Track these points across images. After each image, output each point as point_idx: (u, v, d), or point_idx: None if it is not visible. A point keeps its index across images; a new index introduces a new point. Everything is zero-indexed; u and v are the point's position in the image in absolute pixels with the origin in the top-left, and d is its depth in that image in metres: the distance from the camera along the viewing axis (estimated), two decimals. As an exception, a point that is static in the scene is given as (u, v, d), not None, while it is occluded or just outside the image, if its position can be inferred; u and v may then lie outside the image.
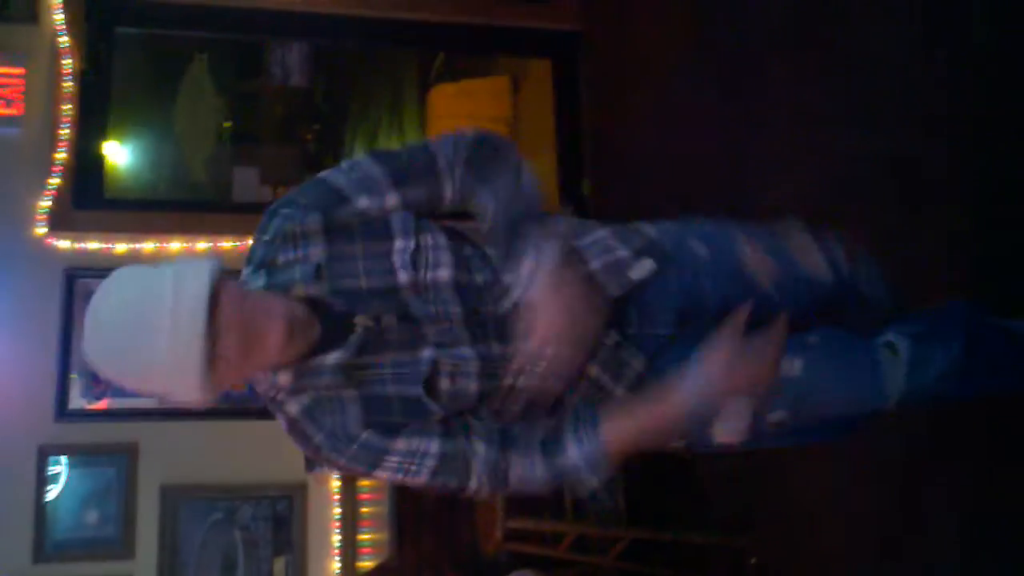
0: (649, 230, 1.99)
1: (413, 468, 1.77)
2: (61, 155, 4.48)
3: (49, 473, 4.19)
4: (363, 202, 1.80)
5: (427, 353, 1.77)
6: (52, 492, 4.19)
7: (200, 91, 6.02)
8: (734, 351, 1.70)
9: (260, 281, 1.79)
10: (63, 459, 4.22)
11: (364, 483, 4.36)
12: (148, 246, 4.47)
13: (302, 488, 4.33)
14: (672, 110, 4.39)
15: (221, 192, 5.89)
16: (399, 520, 4.16)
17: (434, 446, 1.76)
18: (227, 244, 4.54)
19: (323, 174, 1.85)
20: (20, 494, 4.15)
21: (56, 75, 4.57)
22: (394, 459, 1.76)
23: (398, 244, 1.79)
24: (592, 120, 5.24)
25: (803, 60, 3.42)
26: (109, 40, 4.85)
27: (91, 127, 4.68)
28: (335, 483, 4.37)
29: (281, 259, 1.79)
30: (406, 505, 4.25)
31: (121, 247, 4.45)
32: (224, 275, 1.68)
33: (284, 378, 1.76)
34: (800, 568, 3.27)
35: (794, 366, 1.85)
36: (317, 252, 1.78)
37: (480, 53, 6.29)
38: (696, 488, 3.88)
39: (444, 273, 1.80)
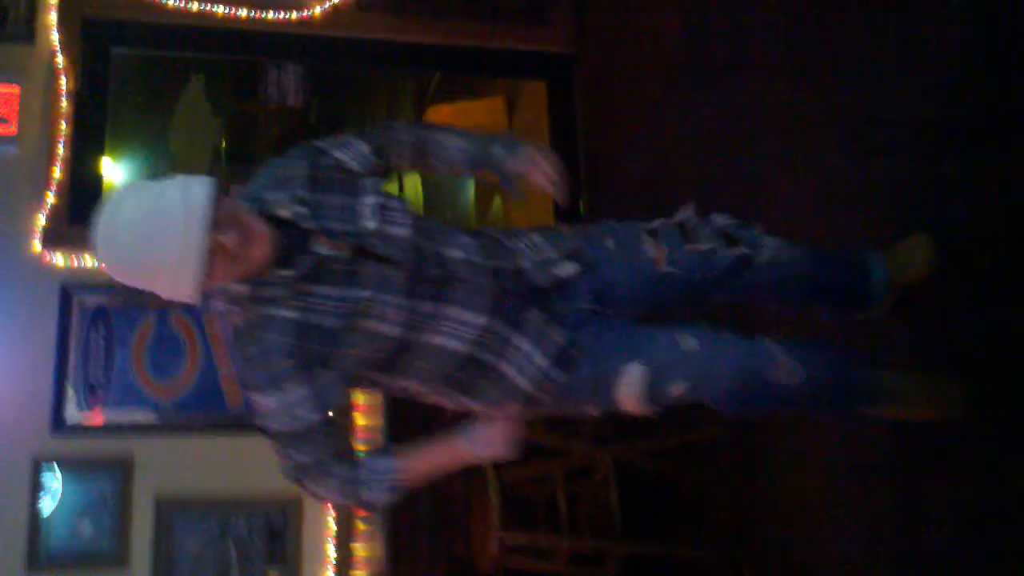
0: (571, 233, 2.43)
1: (286, 416, 2.11)
2: (57, 173, 4.49)
3: (44, 485, 4.19)
4: (339, 153, 2.22)
5: (364, 293, 2.09)
6: (47, 504, 4.18)
7: (196, 111, 6.05)
8: (499, 433, 2.25)
9: (254, 187, 2.16)
10: (58, 471, 4.21)
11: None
12: (144, 262, 4.47)
13: (297, 501, 4.32)
14: (666, 130, 4.42)
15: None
16: (394, 534, 4.15)
17: (314, 418, 2.12)
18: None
19: (312, 142, 2.24)
20: (15, 506, 4.14)
21: (52, 94, 4.60)
22: (282, 397, 2.08)
23: (368, 199, 2.16)
24: (587, 140, 5.27)
25: (797, 80, 3.45)
26: (105, 60, 4.87)
27: (87, 146, 4.70)
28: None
29: (269, 197, 2.11)
30: (401, 518, 4.24)
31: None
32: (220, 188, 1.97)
33: (242, 288, 2.05)
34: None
35: (688, 342, 2.28)
36: (302, 195, 2.12)
37: (476, 75, 6.32)
38: (690, 501, 3.88)
39: (404, 231, 2.16)
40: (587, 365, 2.28)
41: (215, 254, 1.92)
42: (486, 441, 2.26)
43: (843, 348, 2.65)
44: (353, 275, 2.10)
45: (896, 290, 2.65)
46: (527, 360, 2.25)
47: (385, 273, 2.12)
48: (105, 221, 1.94)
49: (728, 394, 2.34)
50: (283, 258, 2.05)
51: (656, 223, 2.50)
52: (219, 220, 1.91)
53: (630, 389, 2.27)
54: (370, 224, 2.13)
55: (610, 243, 2.43)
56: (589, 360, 2.28)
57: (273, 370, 2.08)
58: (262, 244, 2.00)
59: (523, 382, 2.27)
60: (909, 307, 2.69)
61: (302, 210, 2.10)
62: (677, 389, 2.28)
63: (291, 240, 2.07)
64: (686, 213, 2.54)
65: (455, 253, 2.22)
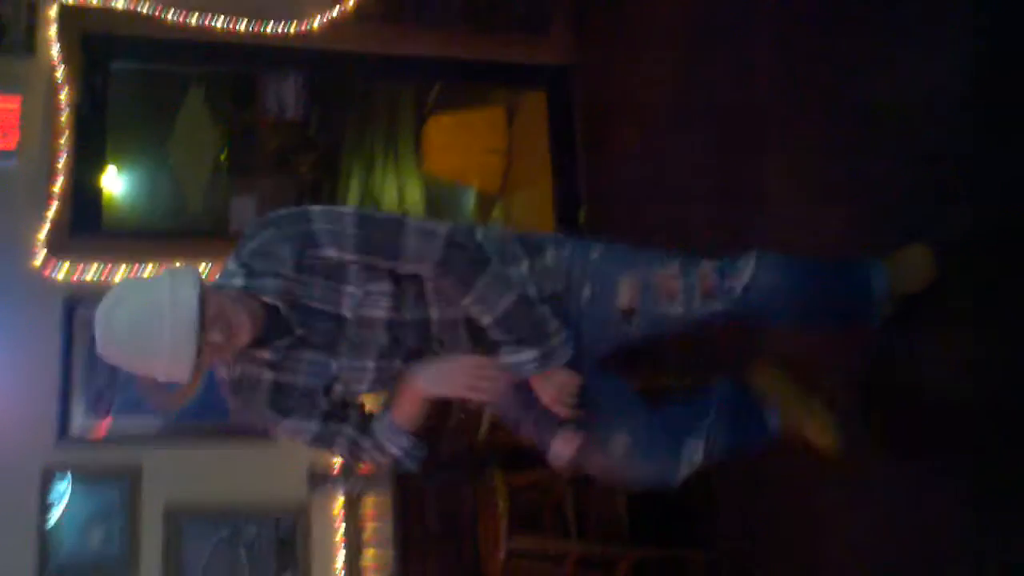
0: (555, 268, 2.50)
1: (299, 434, 2.41)
2: (57, 186, 4.50)
3: (52, 495, 4.18)
4: (329, 251, 2.27)
5: (335, 364, 2.36)
6: (55, 514, 4.17)
7: (196, 123, 6.05)
8: (465, 368, 2.38)
9: (239, 279, 2.26)
10: (67, 481, 4.21)
11: (368, 502, 4.35)
12: (146, 273, 4.46)
13: (306, 508, 4.33)
14: (665, 140, 4.43)
15: (218, 222, 5.90)
16: (403, 540, 4.15)
17: (314, 426, 2.40)
18: (225, 272, 4.54)
19: (311, 212, 2.30)
20: (24, 516, 4.14)
21: (52, 107, 4.60)
22: (282, 428, 2.40)
23: (349, 289, 2.31)
24: (587, 151, 5.28)
25: (796, 90, 3.46)
26: (105, 72, 4.88)
27: (87, 159, 4.71)
28: (339, 504, 4.35)
29: (259, 267, 2.26)
30: (410, 525, 4.24)
31: (119, 278, 4.44)
32: (206, 282, 2.19)
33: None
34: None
35: (619, 442, 2.55)
36: (286, 273, 2.26)
37: (475, 84, 6.33)
38: (699, 506, 3.87)
39: (380, 313, 2.34)
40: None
41: (204, 347, 2.14)
42: (443, 378, 2.40)
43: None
44: (331, 344, 2.35)
45: (896, 300, 2.68)
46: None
47: (359, 342, 2.36)
48: (101, 323, 2.16)
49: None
50: (267, 336, 2.28)
51: (639, 274, 2.53)
52: (206, 321, 2.13)
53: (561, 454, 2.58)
54: (347, 313, 2.33)
55: (587, 293, 2.51)
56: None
57: (263, 415, 2.40)
58: (246, 333, 2.21)
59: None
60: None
61: (283, 306, 2.28)
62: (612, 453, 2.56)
63: (273, 320, 2.28)
64: (671, 270, 2.55)
65: (435, 314, 2.40)
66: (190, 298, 2.12)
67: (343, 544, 4.33)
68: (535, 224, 5.70)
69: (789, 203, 3.45)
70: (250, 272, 2.27)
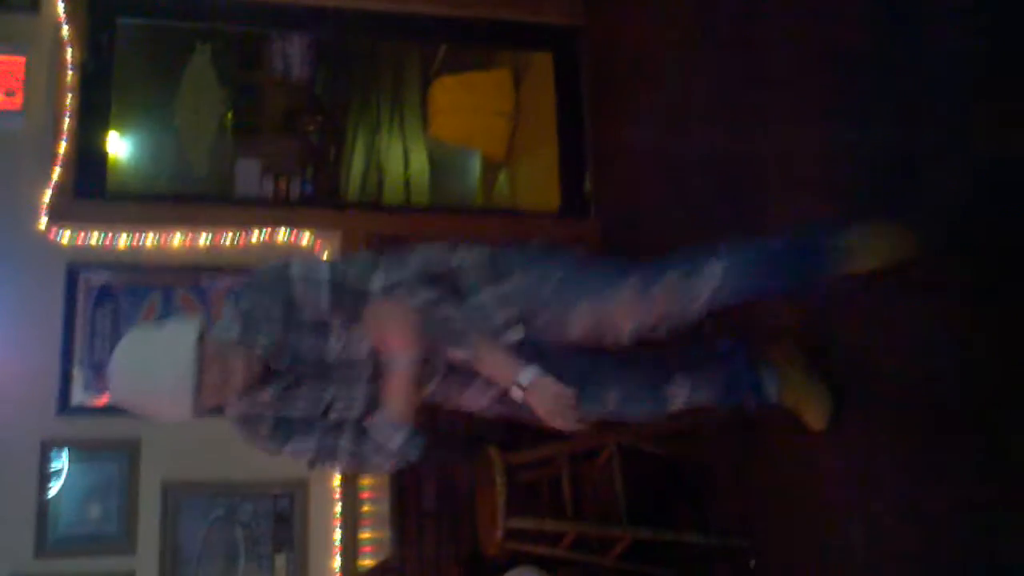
0: (516, 294, 2.69)
1: (300, 455, 2.62)
2: (62, 146, 4.48)
3: (51, 468, 4.20)
4: (309, 313, 2.54)
5: (328, 394, 2.59)
6: (54, 487, 4.20)
7: (202, 83, 6.00)
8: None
9: (235, 330, 2.50)
10: (65, 454, 4.23)
11: (365, 481, 4.37)
12: (149, 240, 4.46)
13: (303, 486, 4.34)
14: (673, 105, 4.39)
15: (223, 184, 5.88)
16: (400, 518, 4.17)
17: (311, 443, 2.60)
18: (228, 237, 4.54)
19: (291, 271, 2.55)
20: (22, 489, 4.15)
21: (57, 65, 4.57)
22: (285, 452, 2.61)
23: (332, 342, 2.58)
24: (594, 115, 5.24)
25: (806, 53, 3.42)
26: (111, 30, 4.82)
27: (92, 118, 4.67)
28: (336, 481, 4.37)
29: (252, 323, 2.50)
30: (407, 504, 4.26)
31: (123, 241, 4.44)
32: (206, 330, 2.45)
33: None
34: (801, 570, 3.29)
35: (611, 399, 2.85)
36: (275, 331, 2.51)
37: (482, 46, 6.27)
38: (696, 489, 3.89)
39: (363, 349, 2.59)
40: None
41: (204, 389, 2.39)
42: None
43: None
44: (321, 381, 2.59)
45: (862, 272, 2.76)
46: (477, 402, 2.79)
47: (348, 378, 2.61)
48: (112, 369, 2.44)
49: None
50: (264, 378, 2.53)
51: (595, 306, 2.69)
52: (203, 365, 2.38)
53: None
54: (331, 357, 2.59)
55: (543, 320, 2.71)
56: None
57: (267, 444, 2.63)
58: (240, 377, 2.45)
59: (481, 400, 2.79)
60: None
61: (272, 337, 2.51)
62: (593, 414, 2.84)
63: (270, 368, 2.53)
64: (627, 297, 2.70)
65: None
66: (189, 343, 2.38)
67: (340, 522, 4.35)
68: (540, 192, 5.67)
69: (796, 168, 3.42)
70: (245, 326, 2.51)
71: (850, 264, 2.71)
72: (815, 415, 3.04)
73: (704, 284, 2.65)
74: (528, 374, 2.50)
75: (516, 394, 2.53)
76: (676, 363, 2.99)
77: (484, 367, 2.60)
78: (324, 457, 2.63)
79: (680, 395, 2.94)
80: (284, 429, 2.60)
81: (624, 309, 2.66)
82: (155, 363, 2.39)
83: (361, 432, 2.60)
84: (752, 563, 3.50)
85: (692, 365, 3.00)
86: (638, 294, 2.65)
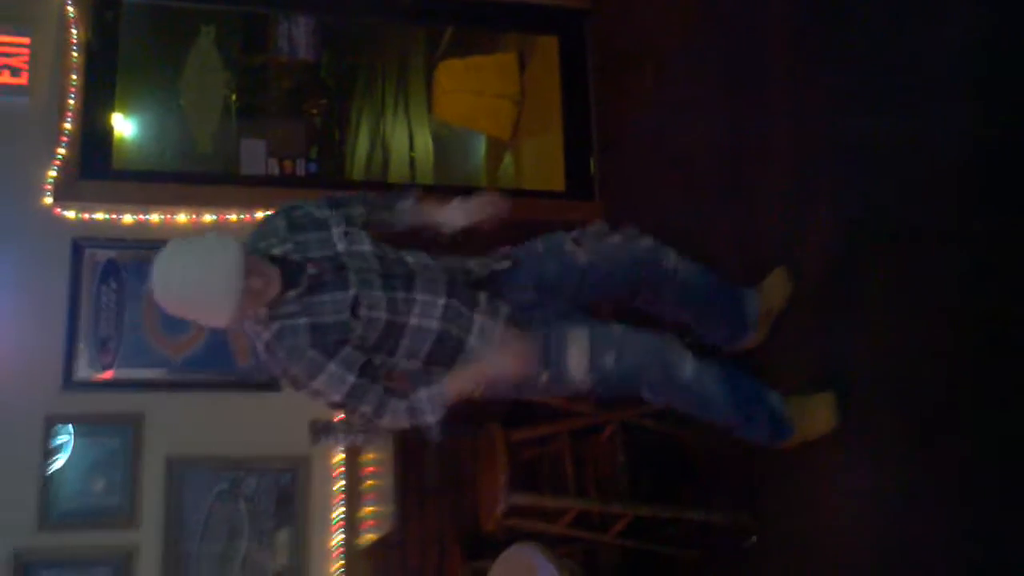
0: (511, 252, 3.12)
1: (336, 385, 2.72)
2: (68, 125, 4.48)
3: (55, 442, 4.21)
4: (309, 207, 2.92)
5: (352, 291, 2.75)
6: (58, 461, 4.21)
7: (207, 64, 6.00)
8: (508, 355, 2.84)
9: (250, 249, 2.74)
10: (69, 428, 4.24)
11: (367, 457, 4.38)
12: (155, 217, 4.47)
13: (306, 461, 4.34)
14: (678, 90, 4.39)
15: (228, 164, 5.88)
16: (402, 495, 4.18)
17: (351, 377, 2.73)
18: (233, 216, 4.55)
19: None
20: (26, 463, 4.16)
21: (62, 45, 4.58)
22: (325, 376, 2.70)
23: (335, 231, 2.85)
24: (599, 98, 5.24)
25: (814, 41, 3.42)
26: (116, 10, 4.83)
27: (98, 98, 4.67)
28: (339, 458, 4.38)
29: (261, 245, 2.81)
30: (410, 479, 4.27)
31: (128, 218, 4.45)
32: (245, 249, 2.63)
33: (263, 312, 2.70)
34: (801, 547, 3.29)
35: (615, 327, 2.97)
36: (283, 234, 2.82)
37: (487, 29, 6.27)
38: (697, 467, 3.89)
39: (367, 247, 2.86)
40: (539, 327, 2.94)
41: (246, 294, 2.58)
42: (501, 358, 2.83)
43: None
44: (341, 282, 2.76)
45: (767, 319, 3.35)
46: (487, 331, 2.91)
47: (363, 276, 2.79)
48: (159, 272, 2.60)
49: (643, 373, 2.98)
50: (287, 284, 2.71)
51: (574, 232, 3.17)
52: (248, 270, 2.57)
53: (579, 351, 2.91)
54: (340, 246, 2.83)
55: (539, 246, 3.14)
56: (541, 325, 2.95)
57: (307, 360, 2.70)
58: (276, 283, 2.68)
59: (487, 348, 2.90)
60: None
61: (288, 247, 2.80)
62: (609, 358, 2.91)
63: (289, 270, 2.73)
64: (598, 226, 3.21)
65: (410, 258, 2.93)
66: (235, 249, 2.57)
67: (342, 497, 4.37)
68: (545, 173, 5.67)
69: (801, 152, 3.43)
70: (254, 246, 2.79)
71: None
72: (822, 419, 3.08)
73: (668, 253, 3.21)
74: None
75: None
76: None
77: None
78: (355, 396, 2.75)
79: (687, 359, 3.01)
80: (323, 337, 2.71)
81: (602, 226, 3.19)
82: (204, 265, 2.55)
83: (394, 393, 2.80)
84: (753, 539, 3.50)
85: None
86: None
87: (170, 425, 4.30)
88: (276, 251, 2.78)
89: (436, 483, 4.31)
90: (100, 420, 4.28)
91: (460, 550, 4.22)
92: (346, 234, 2.86)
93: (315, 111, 6.51)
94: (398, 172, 6.27)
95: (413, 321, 2.84)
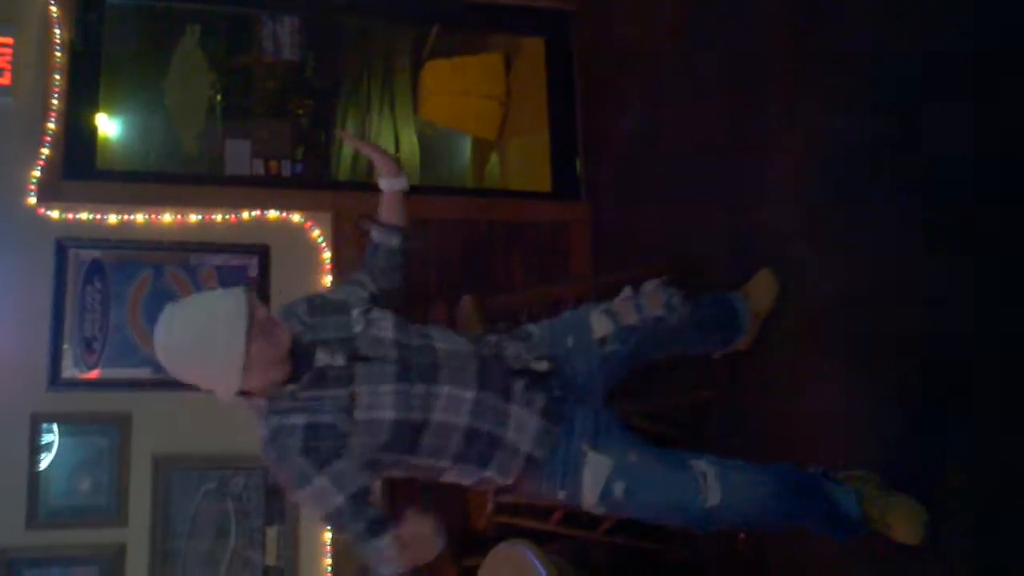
0: (542, 339, 2.88)
1: (322, 501, 2.49)
2: (51, 125, 4.46)
3: (42, 441, 4.19)
4: (330, 294, 2.95)
5: (352, 388, 2.53)
6: (45, 460, 4.18)
7: (191, 65, 5.99)
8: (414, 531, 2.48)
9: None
10: (56, 428, 4.21)
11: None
12: (139, 217, 4.46)
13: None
14: (665, 91, 4.39)
15: (213, 165, 5.87)
16: (390, 491, 4.16)
17: (339, 499, 2.47)
18: (219, 217, 4.54)
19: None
20: (13, 461, 4.14)
21: (46, 45, 4.55)
22: (311, 489, 2.48)
23: (355, 313, 2.69)
24: (585, 99, 5.24)
25: (800, 40, 3.43)
26: (100, 10, 4.80)
27: (81, 98, 4.64)
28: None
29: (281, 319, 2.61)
30: (397, 477, 4.25)
31: (113, 218, 4.44)
32: (253, 298, 2.47)
33: (262, 404, 2.54)
34: (789, 544, 3.29)
35: (630, 456, 2.66)
36: (302, 316, 2.68)
37: (473, 29, 6.27)
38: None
39: (388, 333, 2.65)
40: (565, 435, 2.69)
41: (254, 332, 2.41)
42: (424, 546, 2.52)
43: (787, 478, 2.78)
44: (348, 376, 2.55)
45: (757, 321, 3.34)
46: (523, 423, 2.66)
47: (374, 368, 2.57)
48: (160, 333, 2.46)
49: (655, 517, 2.86)
50: (292, 376, 2.52)
51: (604, 305, 2.98)
52: (254, 326, 2.41)
53: (593, 479, 2.65)
54: (358, 327, 2.64)
55: (569, 341, 2.88)
56: (567, 431, 2.69)
57: (296, 468, 2.49)
58: (286, 343, 2.49)
59: (526, 442, 2.67)
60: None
61: (301, 328, 2.62)
62: (619, 490, 2.64)
63: (298, 360, 2.53)
64: (625, 294, 3.01)
65: (440, 344, 2.69)
66: (240, 302, 2.42)
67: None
68: (531, 174, 5.67)
69: (792, 151, 3.43)
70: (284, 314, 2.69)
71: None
72: (908, 527, 2.67)
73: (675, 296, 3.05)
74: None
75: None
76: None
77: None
78: (337, 520, 2.54)
79: (710, 473, 2.67)
80: (316, 442, 2.49)
81: (626, 296, 3.01)
82: (206, 323, 2.42)
83: (374, 530, 2.50)
84: (741, 536, 3.50)
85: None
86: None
87: (157, 424, 4.28)
88: (288, 329, 2.57)
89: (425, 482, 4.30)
90: (87, 419, 4.26)
91: (451, 547, 4.20)
92: (367, 318, 2.69)
93: (300, 111, 6.50)
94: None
95: (437, 417, 2.60)
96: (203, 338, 2.41)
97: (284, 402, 2.52)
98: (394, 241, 2.99)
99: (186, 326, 2.43)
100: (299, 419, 2.49)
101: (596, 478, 2.64)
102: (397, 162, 3.05)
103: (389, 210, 3.02)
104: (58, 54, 4.56)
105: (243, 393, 2.54)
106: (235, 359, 2.39)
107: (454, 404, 2.60)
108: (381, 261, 2.97)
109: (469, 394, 2.61)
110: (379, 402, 2.54)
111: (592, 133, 5.14)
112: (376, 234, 3.02)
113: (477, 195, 5.91)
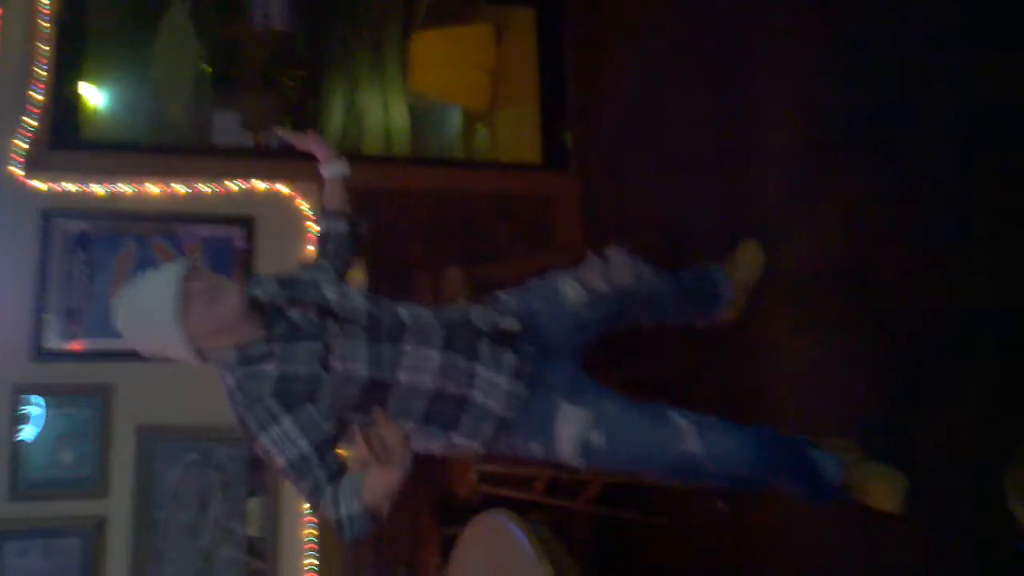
0: (511, 303, 2.87)
1: (282, 447, 2.43)
2: (37, 95, 4.45)
3: (24, 412, 4.19)
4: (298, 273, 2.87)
5: (326, 340, 2.52)
6: (27, 431, 4.18)
7: (179, 35, 5.95)
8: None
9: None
10: (38, 399, 4.21)
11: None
12: (126, 188, 4.45)
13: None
14: (655, 63, 4.37)
15: (201, 136, 5.85)
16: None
17: (303, 443, 2.42)
18: (206, 188, 4.53)
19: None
20: (-5, 430, 4.14)
21: (32, 14, 4.52)
22: (276, 430, 2.42)
23: (327, 285, 2.73)
24: (575, 71, 5.22)
25: (793, 12, 3.41)
26: (87, -22, 4.79)
27: (68, 68, 4.62)
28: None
29: (254, 291, 2.65)
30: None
31: (99, 188, 4.43)
32: (194, 270, 2.49)
33: (230, 355, 2.51)
34: (768, 512, 3.30)
35: (606, 406, 2.67)
36: (274, 285, 2.70)
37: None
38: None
39: (359, 302, 2.67)
40: (540, 391, 2.69)
41: (192, 303, 2.42)
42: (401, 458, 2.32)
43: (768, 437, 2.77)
44: (322, 330, 2.55)
45: (743, 294, 3.35)
46: (491, 384, 2.63)
47: (347, 327, 2.57)
48: (115, 320, 2.52)
49: (635, 466, 2.79)
50: (264, 327, 2.53)
51: (572, 272, 2.97)
52: (191, 286, 2.44)
53: (568, 431, 2.64)
54: (331, 295, 2.67)
55: (540, 305, 2.87)
56: (541, 388, 2.69)
57: (262, 409, 2.44)
58: (233, 300, 2.47)
59: (494, 404, 2.64)
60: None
61: (274, 289, 2.66)
62: (596, 439, 2.63)
63: (271, 316, 2.56)
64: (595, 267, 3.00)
65: (405, 311, 2.70)
66: (170, 277, 2.44)
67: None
68: (521, 146, 5.65)
69: (782, 126, 3.42)
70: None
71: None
72: (887, 495, 2.69)
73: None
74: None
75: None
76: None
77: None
78: (298, 469, 2.43)
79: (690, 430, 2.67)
80: (288, 389, 2.46)
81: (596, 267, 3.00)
82: (140, 289, 2.48)
83: (334, 479, 2.43)
84: (721, 505, 3.51)
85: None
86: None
87: (140, 395, 4.29)
88: (259, 294, 2.63)
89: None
90: (70, 390, 4.26)
91: (431, 515, 4.22)
92: (340, 289, 2.74)
93: (290, 82, 6.48)
94: (373, 143, 6.24)
95: (402, 377, 2.56)
96: (140, 318, 2.48)
97: (256, 350, 2.50)
98: (342, 227, 3.04)
99: (128, 308, 2.50)
100: (271, 367, 2.48)
101: (573, 430, 2.63)
102: (333, 149, 3.10)
103: (332, 197, 3.09)
104: (44, 23, 4.53)
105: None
106: (172, 332, 2.43)
107: (419, 362, 2.57)
108: (332, 248, 3.02)
109: (434, 353, 2.59)
110: (353, 355, 2.52)
111: (582, 105, 5.12)
112: (323, 223, 3.07)
113: (466, 166, 5.90)
